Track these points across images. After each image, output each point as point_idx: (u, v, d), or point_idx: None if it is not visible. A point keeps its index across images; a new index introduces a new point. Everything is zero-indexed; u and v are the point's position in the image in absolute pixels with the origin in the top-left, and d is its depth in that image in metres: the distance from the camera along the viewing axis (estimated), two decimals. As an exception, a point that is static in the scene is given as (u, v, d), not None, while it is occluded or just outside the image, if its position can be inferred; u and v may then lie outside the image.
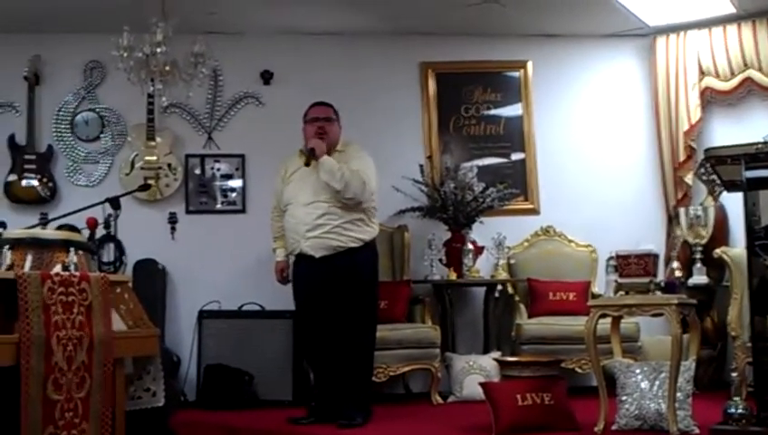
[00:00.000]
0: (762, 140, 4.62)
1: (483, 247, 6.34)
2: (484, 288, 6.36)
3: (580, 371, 5.74)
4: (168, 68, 5.44)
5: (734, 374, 4.10)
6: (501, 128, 7.00)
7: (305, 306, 5.04)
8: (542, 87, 6.97)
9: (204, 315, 6.08)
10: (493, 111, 6.99)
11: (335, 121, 5.16)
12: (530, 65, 6.98)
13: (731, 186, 4.37)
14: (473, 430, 4.49)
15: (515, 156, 6.96)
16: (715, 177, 4.34)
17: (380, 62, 6.86)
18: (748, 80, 6.48)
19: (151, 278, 6.26)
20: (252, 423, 5.04)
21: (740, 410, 3.87)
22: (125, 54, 5.29)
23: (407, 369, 5.76)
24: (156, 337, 3.71)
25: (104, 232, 5.56)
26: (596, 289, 6.27)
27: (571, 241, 6.67)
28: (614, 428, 4.28)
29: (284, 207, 5.09)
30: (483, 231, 6.37)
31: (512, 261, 6.50)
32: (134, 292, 3.77)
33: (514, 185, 6.75)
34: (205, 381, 5.86)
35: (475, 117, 6.96)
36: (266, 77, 6.76)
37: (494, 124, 7.00)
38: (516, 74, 7.04)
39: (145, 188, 5.98)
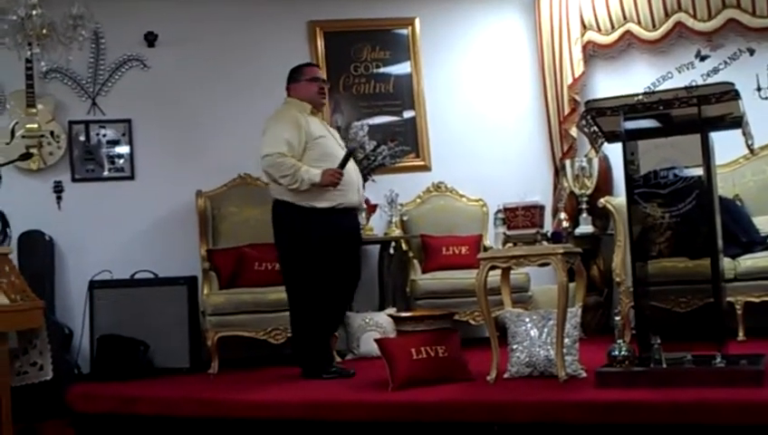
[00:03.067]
0: (641, 92, 4.82)
1: (376, 205, 6.38)
2: (378, 246, 6.41)
3: (473, 322, 5.87)
4: (45, 31, 5.27)
5: (617, 318, 4.25)
6: (391, 86, 7.02)
7: (339, 258, 4.99)
8: (430, 44, 7.01)
9: (95, 285, 5.94)
10: (382, 70, 7.00)
11: None
12: (417, 22, 7.01)
13: (611, 137, 4.51)
14: (371, 385, 4.54)
15: (406, 114, 7.00)
16: (595, 128, 4.47)
17: (268, 22, 6.77)
18: (628, 33, 6.67)
19: (38, 250, 6.09)
20: (149, 392, 4.98)
21: (623, 353, 4.01)
22: (-2, 17, 5.08)
23: (304, 329, 5.78)
24: (40, 310, 3.63)
25: (-15, 204, 5.37)
26: (487, 242, 6.40)
27: (462, 196, 6.77)
28: (506, 376, 4.40)
29: (321, 157, 4.96)
30: (375, 189, 6.39)
31: (405, 218, 6.56)
32: (19, 264, 3.66)
33: (406, 142, 6.79)
34: (98, 353, 5.74)
35: (365, 75, 6.96)
36: (150, 39, 6.58)
37: (384, 82, 7.01)
38: (404, 32, 7.06)
39: (26, 156, 5.76)
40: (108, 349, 5.68)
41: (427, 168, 6.91)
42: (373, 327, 5.76)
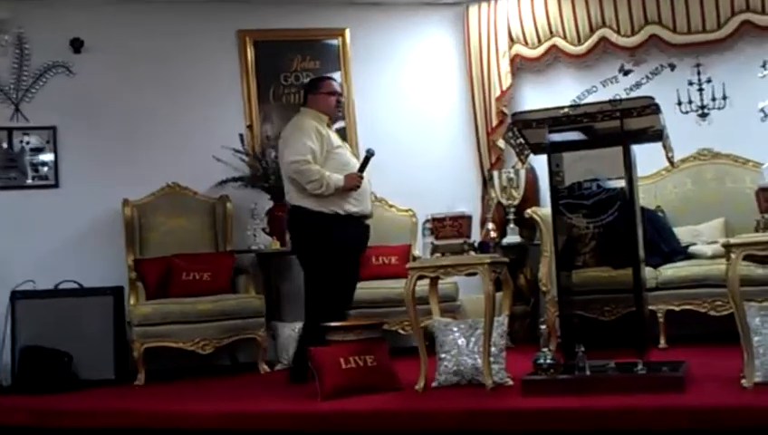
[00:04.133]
0: (567, 105, 4.93)
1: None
2: (309, 255, 6.38)
3: (402, 332, 5.88)
4: (-34, 36, 5.13)
5: (542, 327, 4.32)
6: (322, 97, 7.01)
7: (353, 266, 5.11)
8: (361, 55, 7.03)
9: (17, 296, 5.79)
10: (313, 80, 7.00)
11: None
12: (347, 33, 7.03)
13: (537, 148, 4.59)
14: (300, 395, 4.52)
15: (336, 124, 6.99)
16: (522, 140, 4.55)
17: (197, 31, 6.72)
18: (554, 47, 6.81)
19: (-43, 260, 5.93)
20: (72, 404, 4.88)
21: (548, 361, 4.08)
22: None
23: (232, 340, 5.74)
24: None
25: None
26: (416, 252, 6.44)
27: (392, 206, 6.79)
28: (434, 385, 4.42)
29: (340, 167, 5.05)
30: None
31: (336, 228, 6.55)
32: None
33: (335, 153, 6.79)
34: (21, 365, 5.59)
35: (295, 85, 6.93)
36: (76, 45, 6.48)
37: (317, 93, 7.00)
38: (335, 42, 7.07)
39: (-54, 164, 5.63)
40: (30, 361, 5.54)
41: (357, 178, 6.91)
42: (302, 337, 5.73)
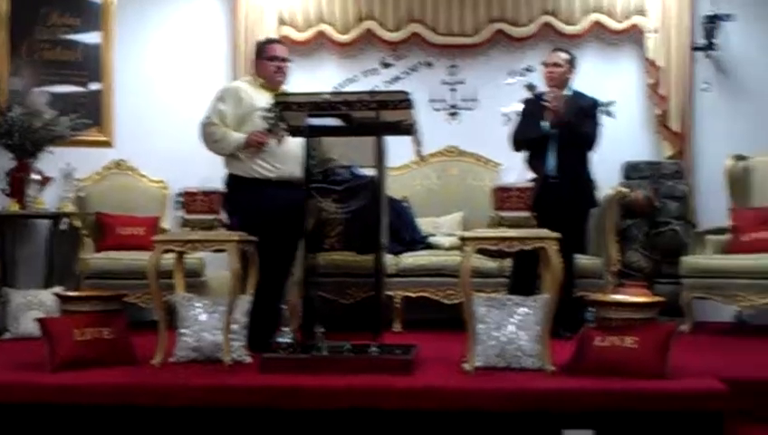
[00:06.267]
0: (328, 92, 5.03)
1: (50, 178, 6.07)
2: (49, 221, 6.09)
3: (144, 305, 5.76)
4: None
5: (284, 307, 4.40)
6: (79, 55, 6.69)
7: (277, 233, 4.74)
8: (125, 17, 6.76)
9: None
10: (70, 37, 6.66)
11: None
12: (114, -7, 6.75)
13: (296, 131, 4.64)
14: (28, 366, 4.31)
15: (92, 86, 6.72)
16: (280, 121, 4.59)
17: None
18: (321, 33, 6.90)
19: None
20: None
21: (287, 340, 4.18)
22: None
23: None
24: None
25: None
26: (166, 224, 6.31)
27: (143, 176, 6.62)
28: (172, 360, 4.37)
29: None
30: (51, 161, 6.08)
31: (81, 194, 6.30)
32: None
33: (89, 115, 6.52)
34: None
35: (51, 41, 6.58)
36: None
37: (72, 51, 6.68)
38: (98, 1, 6.75)
39: None
40: None
41: (109, 144, 6.66)
42: (36, 306, 5.43)
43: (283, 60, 5.11)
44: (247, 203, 4.84)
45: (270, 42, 5.36)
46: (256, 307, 4.61)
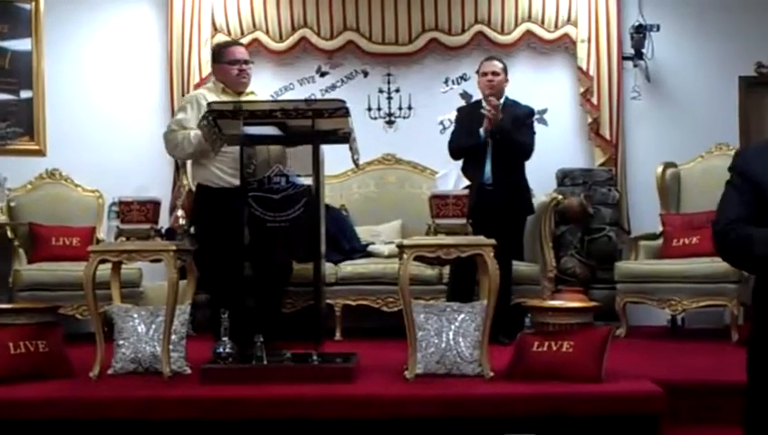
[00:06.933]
0: (264, 100, 5.03)
1: (-20, 189, 5.94)
2: (-21, 233, 5.96)
3: (80, 317, 5.67)
4: None
5: (224, 316, 4.36)
6: (7, 62, 6.58)
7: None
8: (55, 24, 6.67)
9: None
10: (-1, 44, 6.55)
11: None
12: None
13: (231, 139, 4.62)
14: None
15: (23, 93, 6.60)
16: (216, 129, 4.56)
17: None
18: (256, 41, 6.88)
19: None
20: None
21: (227, 350, 4.15)
22: None
23: None
24: None
25: None
26: (101, 235, 6.22)
27: (77, 186, 6.50)
28: (110, 372, 4.31)
29: None
30: (-20, 172, 5.96)
31: (12, 204, 6.17)
32: None
33: (20, 124, 6.44)
34: None
35: (-24, 49, 6.46)
36: None
37: (0, 57, 6.54)
38: (27, 6, 6.65)
39: None
40: None
41: (41, 152, 6.56)
42: (-33, 319, 5.32)
43: (245, 62, 5.10)
44: (213, 214, 4.86)
45: (228, 45, 5.35)
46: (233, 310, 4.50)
